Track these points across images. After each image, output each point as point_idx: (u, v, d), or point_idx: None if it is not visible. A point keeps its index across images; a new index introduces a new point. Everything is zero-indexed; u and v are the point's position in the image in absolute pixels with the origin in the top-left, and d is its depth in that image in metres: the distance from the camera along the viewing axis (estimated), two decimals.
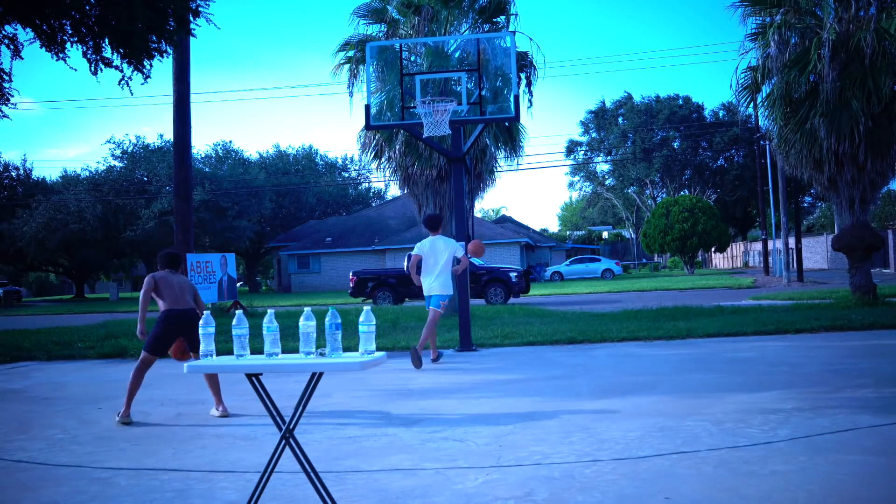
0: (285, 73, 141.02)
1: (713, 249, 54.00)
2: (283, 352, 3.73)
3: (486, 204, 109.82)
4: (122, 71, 11.36)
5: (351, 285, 24.04)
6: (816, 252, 45.67)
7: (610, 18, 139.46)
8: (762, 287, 26.63)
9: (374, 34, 16.18)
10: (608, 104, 65.16)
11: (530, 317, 15.29)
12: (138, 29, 10.51)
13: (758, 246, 48.41)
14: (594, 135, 65.61)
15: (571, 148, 66.16)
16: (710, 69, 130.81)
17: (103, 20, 10.60)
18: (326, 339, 3.60)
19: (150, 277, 6.66)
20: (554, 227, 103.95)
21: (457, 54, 14.73)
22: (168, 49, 11.43)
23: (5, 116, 12.08)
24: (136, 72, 11.34)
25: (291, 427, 3.65)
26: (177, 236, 18.67)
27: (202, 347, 3.78)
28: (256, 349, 3.87)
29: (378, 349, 3.72)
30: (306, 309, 3.64)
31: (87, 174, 48.38)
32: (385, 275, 24.33)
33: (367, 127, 11.75)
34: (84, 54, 11.12)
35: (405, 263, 9.46)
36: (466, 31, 16.04)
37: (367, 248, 44.73)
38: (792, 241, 32.39)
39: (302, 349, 3.62)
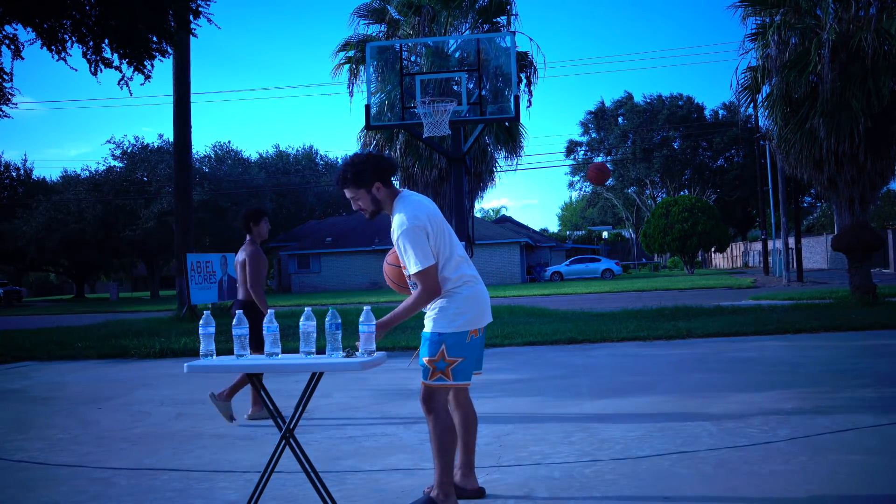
0: (285, 74, 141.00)
1: (713, 249, 54.00)
2: (284, 352, 3.73)
3: (487, 204, 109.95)
4: (121, 71, 11.38)
5: None
6: (816, 252, 45.66)
7: (610, 18, 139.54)
8: (762, 287, 26.62)
9: (374, 34, 16.21)
10: (608, 104, 65.20)
11: (530, 317, 15.28)
12: (139, 29, 10.53)
13: (758, 246, 48.40)
14: (594, 135, 65.64)
15: (571, 148, 66.22)
16: (710, 69, 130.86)
17: (103, 20, 10.62)
18: (326, 339, 3.60)
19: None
20: (554, 227, 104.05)
21: (457, 54, 14.75)
22: (168, 49, 11.45)
23: (6, 116, 12.11)
24: (136, 72, 11.37)
25: (291, 427, 3.65)
26: (177, 236, 18.69)
27: (202, 347, 3.76)
28: None
29: (378, 349, 3.73)
30: (306, 309, 3.64)
31: (88, 174, 48.37)
32: None
33: (368, 127, 11.75)
34: (84, 54, 11.14)
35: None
36: (467, 32, 16.05)
37: (367, 248, 44.75)
38: (792, 241, 32.38)
39: (302, 349, 3.62)
